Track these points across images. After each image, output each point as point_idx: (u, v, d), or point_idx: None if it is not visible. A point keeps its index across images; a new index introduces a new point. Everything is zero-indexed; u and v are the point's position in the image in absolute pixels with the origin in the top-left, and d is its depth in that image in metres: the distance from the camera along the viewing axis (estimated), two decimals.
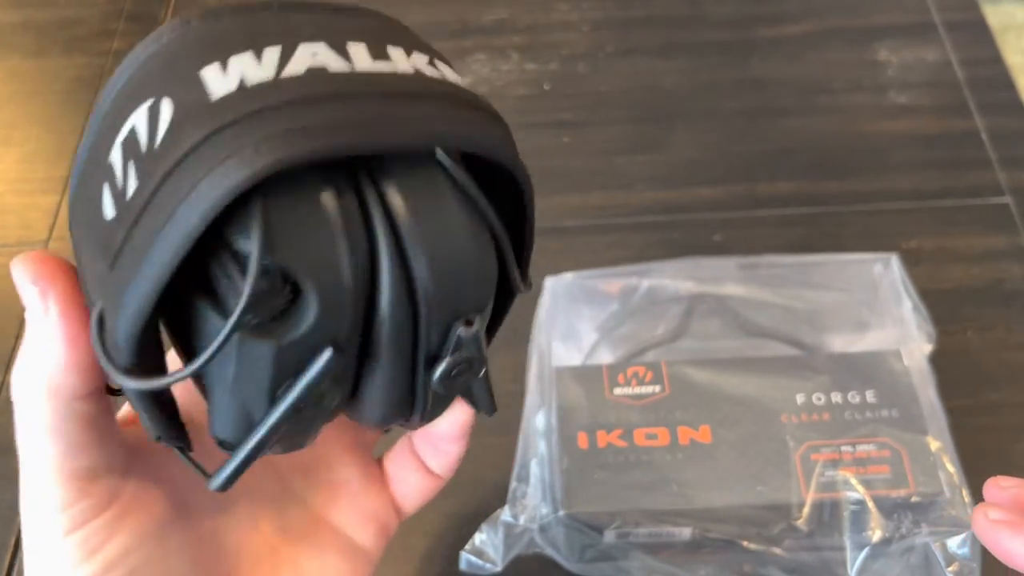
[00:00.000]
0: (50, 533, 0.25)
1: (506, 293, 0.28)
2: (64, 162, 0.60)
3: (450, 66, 0.25)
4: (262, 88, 0.20)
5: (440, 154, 0.22)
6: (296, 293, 0.21)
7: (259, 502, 0.31)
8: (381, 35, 0.23)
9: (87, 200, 0.22)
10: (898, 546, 0.40)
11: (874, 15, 0.65)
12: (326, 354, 0.22)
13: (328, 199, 0.21)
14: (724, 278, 0.50)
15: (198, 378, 0.24)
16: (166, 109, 0.20)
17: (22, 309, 0.25)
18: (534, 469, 0.42)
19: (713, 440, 0.42)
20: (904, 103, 0.60)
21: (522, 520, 0.41)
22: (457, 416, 0.30)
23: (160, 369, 0.23)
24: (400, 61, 0.22)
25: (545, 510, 0.41)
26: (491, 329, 0.29)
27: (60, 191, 0.59)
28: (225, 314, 0.21)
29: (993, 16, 0.65)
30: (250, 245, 0.20)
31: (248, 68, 0.20)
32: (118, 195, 0.21)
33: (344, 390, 0.24)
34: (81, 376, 0.24)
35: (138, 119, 0.21)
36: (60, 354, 0.24)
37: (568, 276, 0.50)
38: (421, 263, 0.22)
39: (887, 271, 0.49)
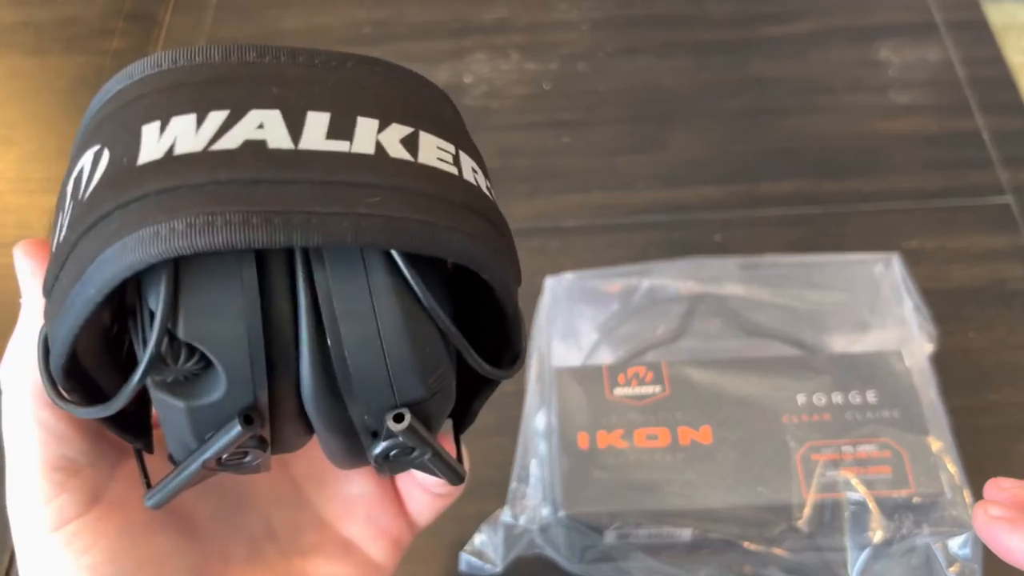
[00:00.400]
0: (35, 529, 0.25)
1: (482, 379, 0.27)
2: (63, 163, 0.60)
3: (454, 138, 0.23)
4: (186, 161, 0.19)
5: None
6: (209, 361, 0.21)
7: (273, 512, 0.31)
8: (362, 100, 0.21)
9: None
10: (899, 547, 0.40)
11: (875, 14, 0.65)
12: (235, 428, 0.22)
13: (249, 280, 0.21)
14: (725, 278, 0.49)
15: None
16: (103, 161, 0.20)
17: (18, 311, 0.25)
18: (534, 469, 0.42)
19: (714, 441, 0.42)
20: (905, 103, 0.60)
21: (522, 521, 0.41)
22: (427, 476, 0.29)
23: (101, 389, 0.23)
24: (363, 139, 0.21)
25: (545, 511, 0.41)
26: (465, 411, 0.28)
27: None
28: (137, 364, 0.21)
29: (995, 15, 0.64)
30: (156, 306, 0.20)
31: (183, 134, 0.20)
32: (59, 228, 0.21)
33: (267, 445, 0.23)
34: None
35: (86, 161, 0.21)
36: (30, 333, 0.24)
37: (568, 276, 0.49)
38: (341, 357, 0.22)
39: (888, 271, 0.49)
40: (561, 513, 0.40)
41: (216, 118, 0.20)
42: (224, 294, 0.20)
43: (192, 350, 0.21)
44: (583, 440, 0.42)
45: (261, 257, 0.21)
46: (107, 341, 0.22)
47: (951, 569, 0.40)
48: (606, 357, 0.48)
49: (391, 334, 0.22)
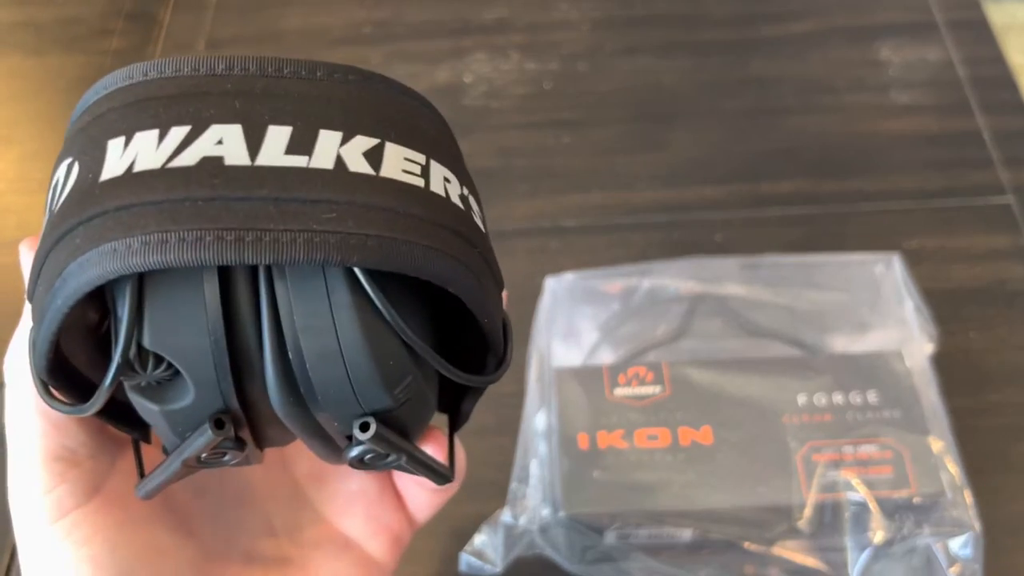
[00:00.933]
0: (36, 519, 0.25)
1: (463, 387, 0.27)
2: None
3: (426, 148, 0.23)
4: (144, 178, 0.20)
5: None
6: (177, 369, 0.22)
7: (273, 510, 0.31)
8: (327, 112, 0.21)
9: None
10: (900, 547, 0.40)
11: (876, 14, 0.65)
12: (206, 432, 0.22)
13: (211, 293, 0.21)
14: (725, 278, 0.49)
15: None
16: (73, 174, 0.21)
17: (22, 309, 0.25)
18: (534, 470, 0.42)
19: (714, 441, 0.41)
20: (906, 102, 0.60)
21: (522, 521, 0.41)
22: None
23: (94, 386, 0.24)
24: (322, 153, 0.21)
25: (545, 511, 0.41)
26: (456, 412, 0.28)
27: None
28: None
29: (995, 15, 0.64)
30: (122, 316, 0.21)
31: (144, 150, 0.20)
32: (41, 236, 0.22)
33: (244, 445, 0.24)
34: None
35: (60, 174, 0.22)
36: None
37: (568, 276, 0.49)
38: (304, 370, 0.22)
39: (889, 271, 0.49)
40: (561, 513, 0.40)
41: (177, 134, 0.20)
42: (187, 307, 0.21)
43: (160, 358, 0.21)
44: (583, 440, 0.42)
45: (225, 270, 0.21)
46: (96, 341, 0.23)
47: (952, 569, 0.39)
48: (606, 357, 0.48)
49: (352, 349, 0.22)
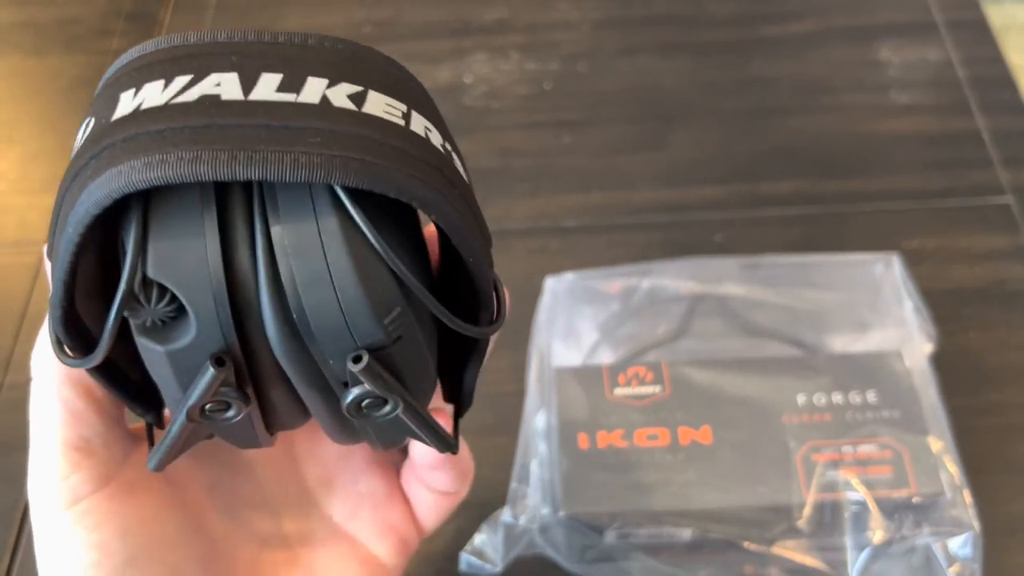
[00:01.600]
0: (51, 505, 0.26)
1: (463, 341, 0.27)
2: (64, 162, 0.60)
3: (407, 100, 0.24)
4: (149, 113, 0.22)
5: (332, 187, 0.23)
6: (183, 306, 0.23)
7: (283, 510, 0.32)
8: (316, 66, 0.23)
9: None
10: (899, 547, 0.40)
11: (875, 14, 0.65)
12: (209, 370, 0.23)
13: (210, 221, 0.22)
14: (725, 278, 0.50)
15: None
16: (89, 127, 0.23)
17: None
18: (534, 469, 0.42)
19: (714, 441, 0.42)
20: (906, 103, 0.60)
21: (522, 521, 0.41)
22: (425, 446, 0.29)
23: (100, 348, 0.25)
24: (310, 92, 0.22)
25: (545, 511, 0.41)
26: (458, 389, 0.29)
27: None
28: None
29: (995, 15, 0.64)
30: (128, 247, 0.22)
31: (150, 94, 0.22)
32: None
33: (248, 398, 0.25)
34: None
35: (79, 131, 0.24)
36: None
37: (568, 276, 0.49)
38: (296, 295, 0.23)
39: (888, 271, 0.49)
40: (561, 513, 0.40)
41: (180, 81, 0.22)
42: (187, 236, 0.22)
43: (163, 290, 0.22)
44: (583, 440, 0.42)
45: (223, 204, 0.23)
46: (107, 302, 0.23)
47: (951, 569, 0.40)
48: (606, 357, 0.48)
49: (339, 270, 0.23)
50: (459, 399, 0.29)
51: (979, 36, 0.63)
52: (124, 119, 0.22)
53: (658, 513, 0.40)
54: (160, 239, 0.22)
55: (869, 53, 0.62)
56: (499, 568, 0.41)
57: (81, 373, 0.27)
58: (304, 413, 0.27)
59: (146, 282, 0.22)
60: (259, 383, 0.25)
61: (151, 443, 0.28)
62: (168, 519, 0.28)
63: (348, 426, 0.27)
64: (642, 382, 0.43)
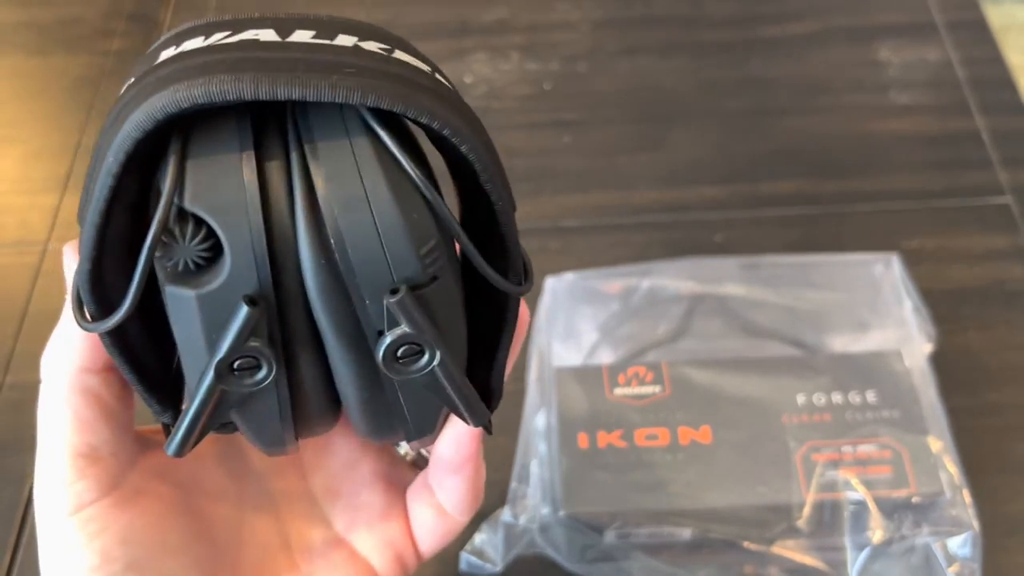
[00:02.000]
0: (56, 511, 0.26)
1: (492, 295, 0.27)
2: (66, 161, 0.60)
3: (438, 72, 0.25)
4: (190, 52, 0.23)
5: (363, 115, 0.23)
6: (216, 248, 0.23)
7: (286, 517, 0.32)
8: (343, 29, 0.24)
9: None
10: (899, 547, 0.40)
11: (875, 15, 0.65)
12: (243, 310, 0.23)
13: (247, 154, 0.23)
14: (725, 278, 0.50)
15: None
16: (130, 83, 0.24)
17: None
18: (534, 469, 0.42)
19: (714, 440, 0.42)
20: (905, 103, 0.60)
21: (522, 520, 0.41)
22: (456, 432, 0.29)
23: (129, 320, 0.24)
24: (343, 41, 0.23)
25: (545, 510, 0.41)
26: (489, 367, 0.28)
27: (61, 190, 0.59)
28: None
29: (994, 16, 0.65)
30: (165, 184, 0.22)
31: (192, 43, 0.23)
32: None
33: (279, 359, 0.24)
34: (89, 348, 0.26)
35: (119, 92, 0.24)
36: (70, 322, 0.26)
37: (569, 276, 0.50)
38: (333, 221, 0.23)
39: (888, 271, 0.49)
40: (561, 513, 0.40)
41: (219, 35, 0.23)
42: (224, 162, 0.22)
43: (199, 226, 0.22)
44: (583, 440, 0.42)
45: (260, 136, 0.23)
46: (135, 257, 0.23)
47: (951, 569, 0.40)
48: (606, 357, 0.48)
49: (375, 193, 0.23)
50: (489, 388, 0.29)
51: (979, 36, 0.63)
52: (165, 61, 0.23)
53: (658, 513, 0.40)
54: (198, 167, 0.22)
55: (869, 53, 0.62)
56: (499, 568, 0.41)
57: (91, 380, 0.26)
58: (332, 404, 0.26)
59: (182, 216, 0.22)
60: (290, 345, 0.24)
61: (167, 432, 0.27)
62: (172, 525, 0.28)
63: (380, 404, 0.26)
64: (642, 382, 0.43)
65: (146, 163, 0.23)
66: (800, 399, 0.43)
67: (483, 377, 0.28)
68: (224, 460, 0.31)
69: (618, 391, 0.43)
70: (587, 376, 0.44)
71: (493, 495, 0.43)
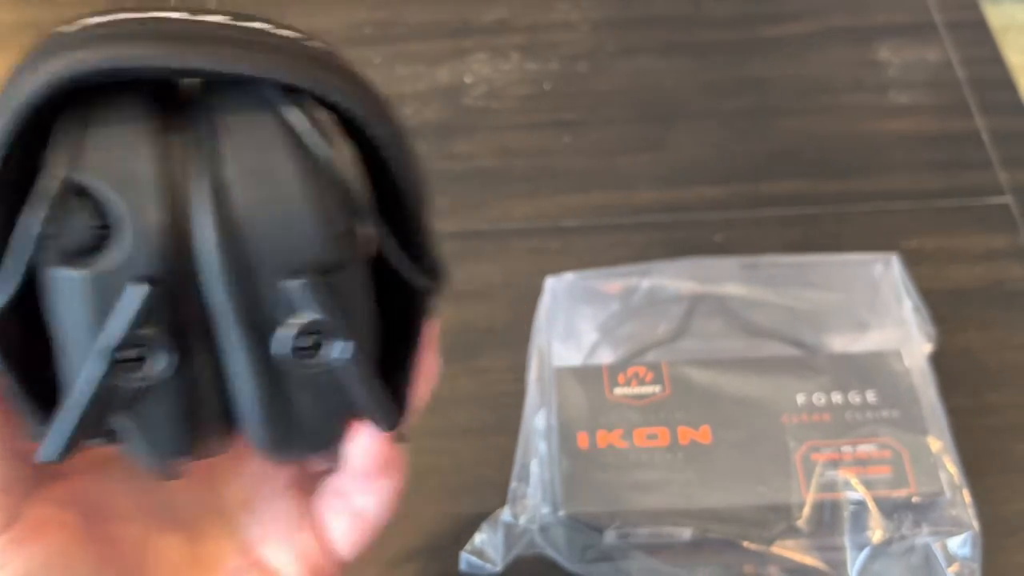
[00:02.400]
0: None
1: (406, 297, 0.26)
2: None
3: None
4: (91, 26, 0.22)
5: (273, 93, 0.22)
6: (108, 228, 0.21)
7: (198, 533, 0.30)
8: (260, 20, 0.24)
9: None
10: (899, 547, 0.40)
11: (875, 15, 0.65)
12: (139, 289, 0.21)
13: (152, 127, 0.22)
14: (725, 278, 0.50)
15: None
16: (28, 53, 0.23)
17: None
18: (534, 469, 0.42)
19: (713, 440, 0.42)
20: (905, 103, 0.60)
21: (522, 520, 0.41)
22: (366, 439, 0.27)
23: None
24: (254, 23, 0.23)
25: (545, 510, 0.41)
26: (394, 369, 0.27)
27: None
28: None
29: (994, 16, 0.65)
30: (55, 156, 0.21)
31: (95, 19, 0.22)
32: None
33: (173, 352, 0.22)
34: None
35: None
36: None
37: (569, 276, 0.50)
38: (238, 202, 0.22)
39: (888, 271, 0.49)
40: (561, 513, 0.40)
41: (124, 14, 0.23)
42: (127, 134, 0.22)
43: (90, 200, 0.21)
44: (583, 440, 0.42)
45: (164, 111, 0.23)
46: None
47: (951, 569, 0.40)
48: (606, 357, 0.48)
49: (282, 171, 0.22)
50: (401, 399, 0.27)
51: (978, 36, 0.63)
52: (66, 31, 0.22)
53: (658, 513, 0.40)
54: (98, 136, 0.21)
55: (868, 53, 0.62)
56: (499, 568, 0.41)
57: None
58: (229, 416, 0.25)
59: (71, 189, 0.21)
60: (187, 337, 0.22)
61: (33, 430, 0.24)
62: (77, 555, 0.27)
63: (279, 407, 0.24)
64: (642, 382, 0.43)
65: (33, 139, 0.21)
66: (800, 399, 0.43)
67: (392, 387, 0.27)
68: (132, 476, 0.29)
69: (618, 391, 0.43)
70: (587, 376, 0.44)
71: (493, 495, 0.43)
